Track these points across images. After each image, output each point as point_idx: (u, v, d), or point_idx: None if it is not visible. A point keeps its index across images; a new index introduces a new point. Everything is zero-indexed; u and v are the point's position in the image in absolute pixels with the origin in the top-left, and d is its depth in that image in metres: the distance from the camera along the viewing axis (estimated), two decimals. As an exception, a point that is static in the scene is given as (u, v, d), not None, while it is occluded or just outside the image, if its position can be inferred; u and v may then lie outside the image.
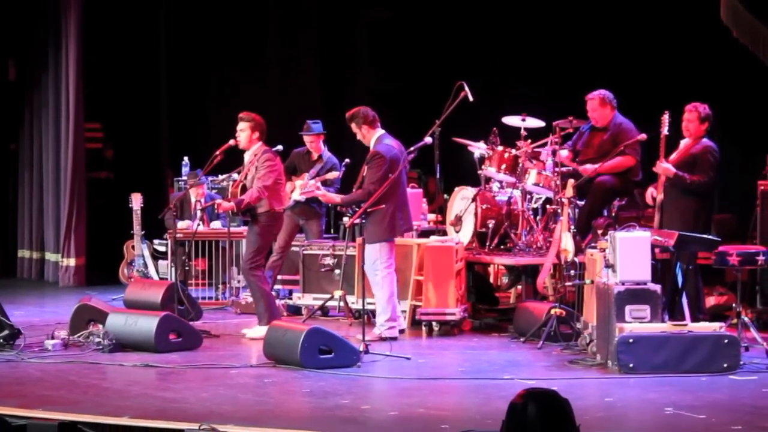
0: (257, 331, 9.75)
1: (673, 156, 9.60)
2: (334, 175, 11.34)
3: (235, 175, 10.72)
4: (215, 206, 10.65)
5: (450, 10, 14.23)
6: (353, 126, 9.86)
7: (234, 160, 10.46)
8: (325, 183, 11.18)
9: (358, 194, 9.66)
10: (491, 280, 12.12)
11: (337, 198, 10.10)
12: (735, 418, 6.85)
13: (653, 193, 9.80)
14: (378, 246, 9.63)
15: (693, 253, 9.43)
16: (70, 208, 13.87)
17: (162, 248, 12.95)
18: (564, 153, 10.69)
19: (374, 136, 9.79)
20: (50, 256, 14.35)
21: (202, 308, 11.03)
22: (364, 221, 9.28)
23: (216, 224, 12.31)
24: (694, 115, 9.59)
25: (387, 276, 9.71)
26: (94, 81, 14.22)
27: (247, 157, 10.00)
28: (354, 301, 10.70)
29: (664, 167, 9.48)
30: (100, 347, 9.12)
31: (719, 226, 10.74)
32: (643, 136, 10.26)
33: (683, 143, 9.70)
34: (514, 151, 10.83)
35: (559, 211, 10.18)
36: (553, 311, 9.40)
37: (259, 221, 9.86)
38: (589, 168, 10.47)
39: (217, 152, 10.14)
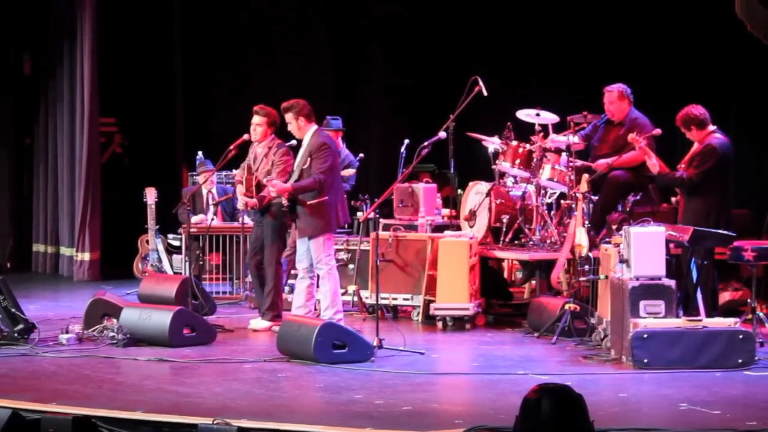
0: (261, 323, 9.95)
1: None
2: (350, 172, 11.32)
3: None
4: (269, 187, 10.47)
5: (464, 4, 14.21)
6: (289, 116, 9.70)
7: (248, 154, 10.45)
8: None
9: (308, 182, 9.46)
10: (505, 275, 12.11)
11: (288, 186, 9.71)
12: (750, 414, 6.83)
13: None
14: (322, 239, 9.50)
15: (709, 248, 9.41)
16: (85, 203, 13.89)
17: (176, 243, 12.96)
18: (575, 139, 10.62)
19: (310, 130, 9.69)
20: (65, 251, 14.38)
21: (216, 303, 11.05)
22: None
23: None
24: (685, 124, 9.63)
25: (332, 269, 9.62)
26: (109, 75, 14.23)
27: (259, 149, 10.01)
28: (368, 296, 10.71)
29: (651, 163, 9.70)
30: (114, 342, 9.14)
31: (734, 222, 10.71)
32: (657, 131, 10.22)
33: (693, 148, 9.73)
34: (528, 146, 10.82)
35: (574, 206, 10.16)
36: (567, 306, 9.38)
37: (275, 215, 9.88)
38: (602, 163, 10.47)
39: (231, 147, 10.18)
